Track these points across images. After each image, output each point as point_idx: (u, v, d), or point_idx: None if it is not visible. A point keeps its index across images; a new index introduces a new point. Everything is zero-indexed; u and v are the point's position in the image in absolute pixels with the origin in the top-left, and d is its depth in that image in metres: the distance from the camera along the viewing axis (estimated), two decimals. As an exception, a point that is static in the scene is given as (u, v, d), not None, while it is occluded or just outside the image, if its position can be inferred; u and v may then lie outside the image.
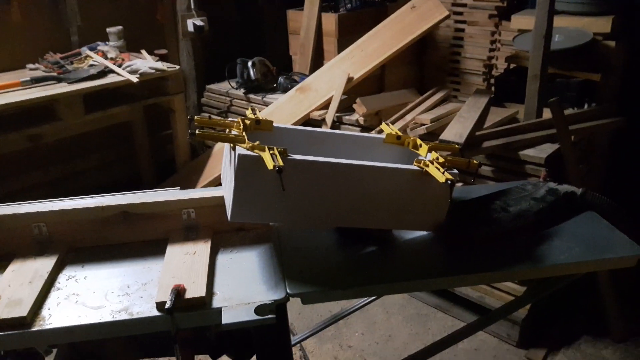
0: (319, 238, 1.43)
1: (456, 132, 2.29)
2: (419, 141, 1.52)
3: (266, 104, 3.24)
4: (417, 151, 1.52)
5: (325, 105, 2.91)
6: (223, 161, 1.47)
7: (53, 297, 1.21)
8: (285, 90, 3.32)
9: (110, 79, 2.86)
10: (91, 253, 1.38)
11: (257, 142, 1.24)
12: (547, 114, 2.59)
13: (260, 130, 1.45)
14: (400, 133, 1.56)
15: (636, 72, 2.86)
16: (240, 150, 1.22)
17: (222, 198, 1.40)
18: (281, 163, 1.16)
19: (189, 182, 3.20)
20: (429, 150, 1.47)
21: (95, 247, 1.40)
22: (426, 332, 2.52)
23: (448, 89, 3.00)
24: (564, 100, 2.73)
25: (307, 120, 2.95)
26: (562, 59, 2.68)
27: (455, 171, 1.35)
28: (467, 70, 3.22)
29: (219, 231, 1.45)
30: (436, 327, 2.54)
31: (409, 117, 2.58)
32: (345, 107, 2.93)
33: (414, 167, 1.34)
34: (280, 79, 3.40)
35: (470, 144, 2.27)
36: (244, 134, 1.31)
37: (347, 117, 2.84)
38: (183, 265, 1.28)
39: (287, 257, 1.33)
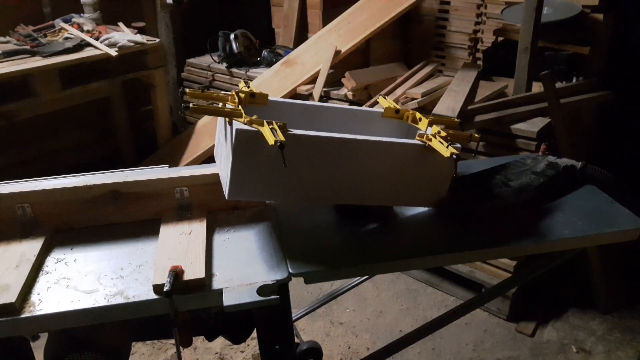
0: (318, 216, 1.39)
1: (448, 106, 2.25)
2: (418, 115, 1.48)
3: (250, 79, 3.15)
4: (416, 125, 1.48)
5: (312, 80, 2.84)
6: (216, 136, 1.40)
7: (42, 281, 1.15)
8: (269, 64, 3.23)
9: (87, 52, 2.73)
10: (80, 235, 1.31)
11: (254, 116, 1.18)
12: (536, 87, 2.57)
13: (254, 104, 1.39)
14: (399, 107, 1.52)
15: (623, 45, 2.86)
16: (238, 124, 1.16)
17: (216, 175, 1.34)
18: (282, 138, 1.10)
19: (171, 160, 3.10)
20: (429, 124, 1.43)
21: (84, 229, 1.33)
22: (416, 307, 2.52)
23: (435, 62, 2.95)
24: (552, 74, 2.71)
25: (293, 95, 2.88)
26: (550, 32, 2.65)
27: (459, 145, 1.31)
28: (452, 44, 3.17)
29: (214, 210, 1.39)
30: (426, 302, 2.55)
31: (399, 92, 2.54)
32: (332, 81, 2.86)
33: (416, 141, 1.30)
34: (264, 53, 3.31)
35: (462, 118, 2.24)
36: (239, 107, 1.25)
37: (335, 92, 2.78)
38: (179, 245, 1.23)
39: (286, 236, 1.29)
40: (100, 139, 3.50)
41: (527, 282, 2.39)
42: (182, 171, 1.41)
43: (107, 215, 1.35)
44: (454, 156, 1.21)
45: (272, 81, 2.97)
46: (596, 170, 1.51)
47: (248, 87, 1.41)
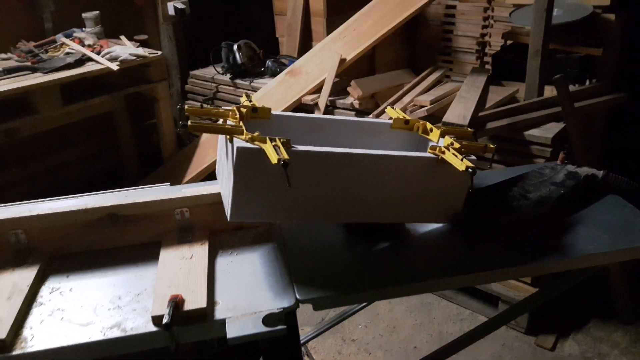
0: (326, 235, 1.32)
1: (459, 113, 2.17)
2: (429, 125, 1.41)
3: (254, 89, 3.10)
4: (427, 136, 1.41)
5: (317, 89, 2.78)
6: (218, 154, 1.34)
7: (35, 314, 1.09)
8: (273, 74, 3.18)
9: (88, 67, 2.68)
10: (76, 261, 1.25)
11: (256, 133, 1.11)
12: (548, 91, 2.50)
13: (257, 118, 1.32)
14: (408, 117, 1.45)
15: (636, 46, 2.77)
16: (239, 142, 1.10)
17: (218, 195, 1.28)
18: (286, 156, 1.04)
19: (177, 174, 3.05)
20: (441, 135, 1.36)
21: (81, 254, 1.27)
22: (431, 322, 2.43)
23: (443, 68, 2.87)
24: (565, 77, 2.63)
25: (298, 105, 2.82)
26: (561, 34, 2.57)
27: (474, 157, 1.24)
28: (459, 49, 3.10)
29: (216, 231, 1.32)
30: (441, 316, 2.46)
31: (406, 99, 2.46)
32: (338, 90, 2.80)
33: (428, 154, 1.23)
34: (268, 63, 3.25)
35: (473, 125, 2.16)
36: (241, 123, 1.18)
37: (340, 101, 2.71)
38: (179, 271, 1.16)
39: (293, 258, 1.22)
40: (104, 154, 3.46)
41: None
42: (183, 190, 1.35)
43: (105, 240, 1.28)
44: (470, 170, 1.14)
45: (276, 91, 2.91)
46: (619, 179, 1.43)
47: (250, 101, 1.35)
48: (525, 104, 2.33)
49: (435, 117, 2.32)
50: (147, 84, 2.94)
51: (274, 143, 1.09)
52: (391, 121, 1.44)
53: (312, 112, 2.77)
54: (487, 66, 2.94)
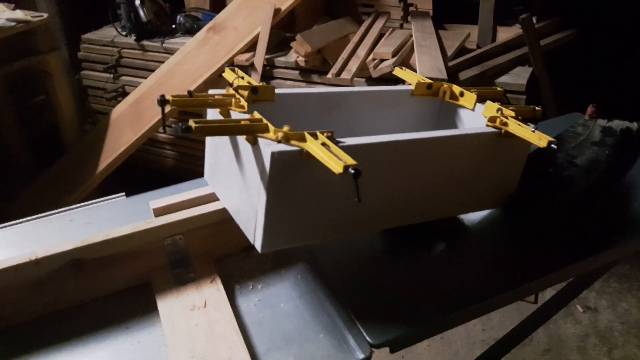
0: (357, 244, 1.03)
1: (432, 65, 1.94)
2: (457, 89, 1.16)
3: (168, 51, 2.63)
4: (456, 102, 1.16)
5: (250, 47, 2.40)
6: (208, 154, 0.99)
7: None
8: (187, 31, 2.73)
9: (-49, 40, 2.08)
10: (34, 331, 0.86)
11: (285, 127, 0.79)
12: (501, 33, 2.36)
13: (259, 101, 0.98)
14: (430, 81, 1.18)
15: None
16: (268, 144, 0.77)
17: (222, 212, 0.94)
18: (351, 160, 0.73)
19: (85, 164, 2.54)
20: (479, 100, 1.11)
21: (39, 320, 0.88)
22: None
23: (386, 13, 2.60)
24: (511, 16, 2.51)
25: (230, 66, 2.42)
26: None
27: (533, 126, 1.01)
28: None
29: (220, 256, 1.00)
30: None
31: (361, 53, 2.18)
32: (273, 46, 2.44)
33: (489, 128, 0.99)
34: (179, 18, 2.78)
35: (448, 76, 1.95)
36: (255, 114, 0.85)
37: (281, 59, 2.36)
38: (196, 330, 0.83)
39: (337, 284, 0.93)
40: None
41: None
42: (160, 201, 0.99)
43: (69, 294, 0.90)
44: (553, 146, 0.91)
45: (199, 53, 2.48)
46: (655, 130, 1.29)
47: (242, 77, 0.99)
48: (490, 49, 2.16)
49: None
50: (35, 55, 2.36)
51: (318, 140, 0.78)
52: (411, 87, 1.17)
53: (249, 74, 2.39)
54: (413, 8, 2.68)
